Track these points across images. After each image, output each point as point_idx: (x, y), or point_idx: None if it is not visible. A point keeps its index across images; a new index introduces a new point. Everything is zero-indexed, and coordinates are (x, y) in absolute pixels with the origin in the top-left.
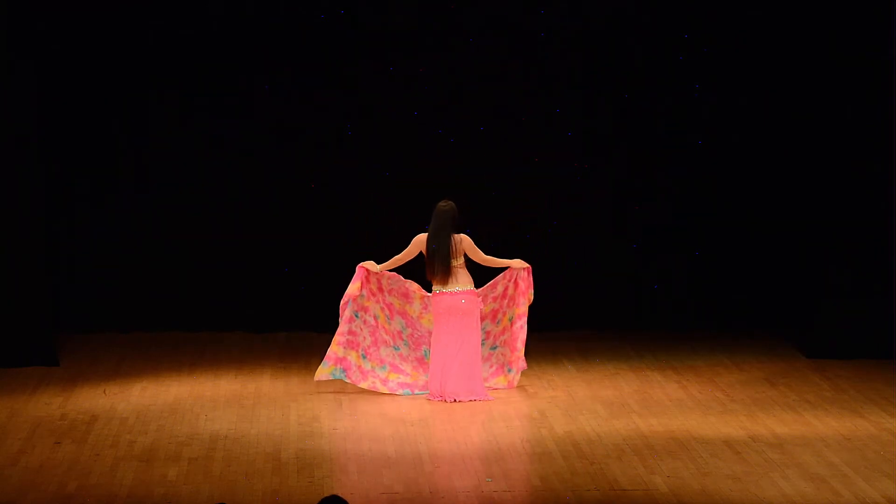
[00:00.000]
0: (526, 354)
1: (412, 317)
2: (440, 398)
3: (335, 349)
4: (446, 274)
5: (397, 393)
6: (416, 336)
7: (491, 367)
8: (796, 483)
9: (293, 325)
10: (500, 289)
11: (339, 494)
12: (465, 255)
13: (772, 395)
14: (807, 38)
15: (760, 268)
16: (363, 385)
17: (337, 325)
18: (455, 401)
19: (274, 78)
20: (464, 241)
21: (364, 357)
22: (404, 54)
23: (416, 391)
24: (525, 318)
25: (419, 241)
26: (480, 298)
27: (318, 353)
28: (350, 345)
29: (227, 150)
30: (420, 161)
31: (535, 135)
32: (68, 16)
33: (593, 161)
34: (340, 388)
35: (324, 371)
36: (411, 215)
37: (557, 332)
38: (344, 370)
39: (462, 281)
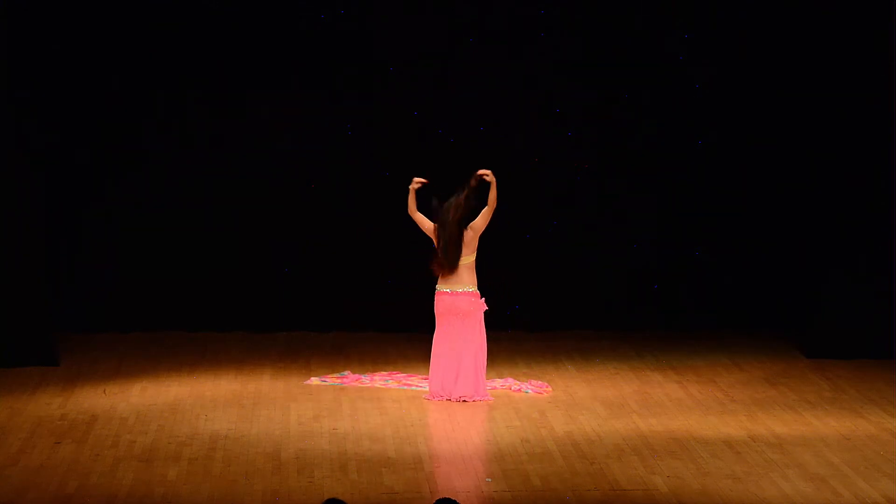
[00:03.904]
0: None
1: None
2: (440, 398)
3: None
4: (454, 269)
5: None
6: None
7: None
8: (796, 483)
9: (293, 325)
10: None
11: (339, 495)
12: (476, 249)
13: (772, 395)
14: (807, 37)
15: (760, 268)
16: (361, 380)
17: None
18: (463, 400)
19: (274, 78)
20: (472, 228)
21: (364, 375)
22: (404, 54)
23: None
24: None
25: (434, 229)
26: (483, 300)
27: (318, 353)
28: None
29: (226, 150)
30: (420, 161)
31: (535, 135)
32: (68, 16)
33: (593, 161)
34: (340, 387)
35: (317, 382)
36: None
37: (557, 332)
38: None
39: (465, 281)
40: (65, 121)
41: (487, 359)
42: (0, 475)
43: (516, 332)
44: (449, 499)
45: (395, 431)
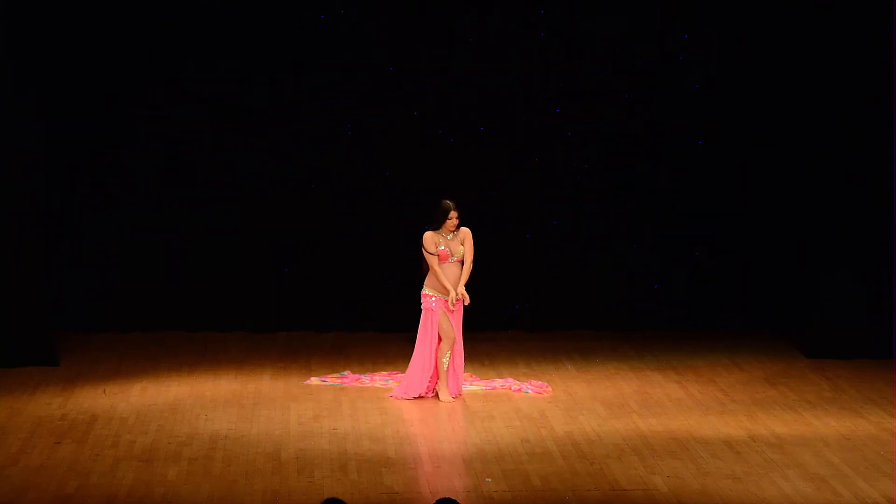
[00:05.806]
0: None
1: None
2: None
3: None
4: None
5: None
6: None
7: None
8: (796, 483)
9: (293, 325)
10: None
11: (339, 495)
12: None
13: (772, 395)
14: (807, 37)
15: (760, 268)
16: (361, 380)
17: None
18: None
19: (274, 78)
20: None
21: (364, 375)
22: (404, 54)
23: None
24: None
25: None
26: (424, 300)
27: (318, 353)
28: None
29: (227, 150)
30: (420, 161)
31: (535, 135)
32: (68, 15)
33: (593, 161)
34: (340, 387)
35: (317, 382)
36: (411, 215)
37: (557, 332)
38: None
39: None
40: (65, 120)
41: (488, 358)
42: (0, 475)
43: (516, 332)
44: (449, 499)
45: (395, 431)
